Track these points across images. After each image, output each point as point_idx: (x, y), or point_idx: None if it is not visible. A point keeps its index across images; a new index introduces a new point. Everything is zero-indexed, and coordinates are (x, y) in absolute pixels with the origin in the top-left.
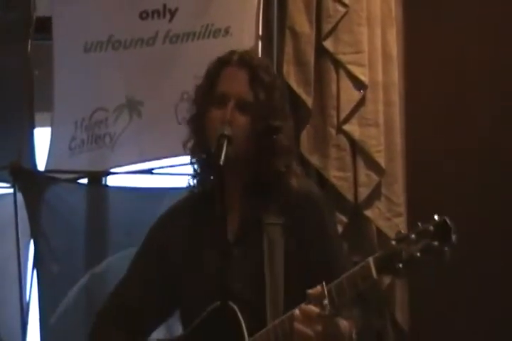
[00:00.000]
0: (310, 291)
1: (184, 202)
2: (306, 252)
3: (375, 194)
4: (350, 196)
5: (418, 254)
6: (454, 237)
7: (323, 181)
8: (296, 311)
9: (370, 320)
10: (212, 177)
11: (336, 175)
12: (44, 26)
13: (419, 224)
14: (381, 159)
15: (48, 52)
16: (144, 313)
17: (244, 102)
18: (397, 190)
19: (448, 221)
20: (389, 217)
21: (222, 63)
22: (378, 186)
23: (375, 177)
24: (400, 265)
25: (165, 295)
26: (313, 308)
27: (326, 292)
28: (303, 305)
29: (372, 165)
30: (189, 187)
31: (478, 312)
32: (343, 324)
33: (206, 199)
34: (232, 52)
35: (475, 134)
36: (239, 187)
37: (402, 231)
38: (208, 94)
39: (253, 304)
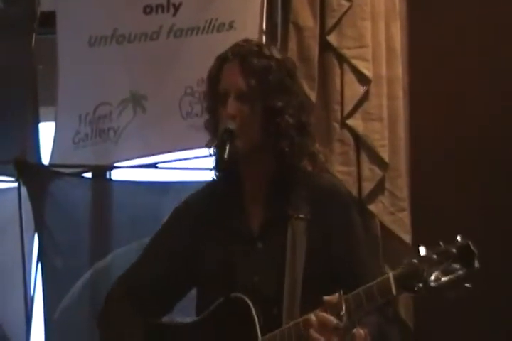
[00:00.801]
0: (327, 298)
1: (209, 190)
2: (329, 250)
3: (379, 188)
4: (354, 190)
5: (440, 276)
6: (476, 263)
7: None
8: (313, 317)
9: (384, 326)
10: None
11: (339, 170)
12: (48, 20)
13: (441, 243)
14: (385, 153)
15: (52, 46)
16: (158, 294)
17: (240, 92)
18: (401, 185)
19: (471, 245)
20: (392, 212)
21: (220, 62)
22: (382, 181)
23: (378, 172)
24: (421, 285)
25: (181, 277)
26: (330, 318)
27: (343, 303)
28: (320, 313)
29: (376, 159)
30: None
31: (483, 308)
32: (360, 334)
33: (231, 189)
34: (228, 49)
35: (478, 128)
36: (261, 179)
37: (424, 250)
38: (213, 95)
39: (270, 298)
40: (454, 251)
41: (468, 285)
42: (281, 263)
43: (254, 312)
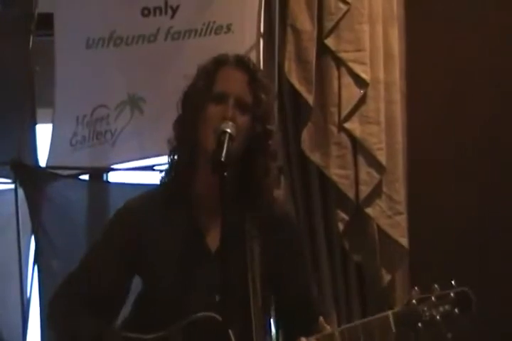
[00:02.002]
0: (323, 327)
1: (154, 196)
2: (279, 264)
3: (376, 192)
4: (351, 194)
5: (438, 318)
6: (474, 309)
7: (324, 179)
8: None
9: None
10: (182, 178)
11: (336, 173)
12: (46, 22)
13: (436, 286)
14: (382, 157)
15: (49, 48)
16: (105, 295)
17: (243, 102)
18: (398, 188)
19: (469, 292)
20: (390, 215)
21: (218, 63)
22: (379, 184)
23: (376, 175)
24: (420, 324)
25: (123, 284)
26: None
27: (337, 335)
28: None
29: (373, 162)
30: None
31: (481, 310)
32: None
33: (180, 199)
34: (225, 54)
35: (475, 132)
36: (215, 189)
37: (419, 292)
38: (205, 92)
39: (234, 316)
40: (453, 296)
41: (466, 328)
42: (240, 282)
43: (231, 334)
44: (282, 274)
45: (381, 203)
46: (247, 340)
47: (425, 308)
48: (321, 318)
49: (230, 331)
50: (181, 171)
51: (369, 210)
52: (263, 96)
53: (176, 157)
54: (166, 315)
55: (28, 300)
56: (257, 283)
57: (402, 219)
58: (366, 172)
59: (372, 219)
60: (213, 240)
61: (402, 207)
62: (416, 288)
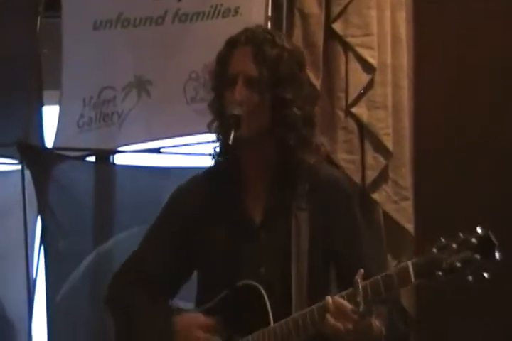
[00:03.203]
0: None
1: (206, 176)
2: (330, 242)
3: (382, 177)
4: (357, 179)
5: (459, 264)
6: (497, 254)
7: (331, 164)
8: (330, 302)
9: (394, 317)
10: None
11: (343, 158)
12: (53, 4)
13: (460, 234)
14: (389, 142)
15: (56, 30)
16: (163, 279)
17: (250, 78)
18: (405, 174)
19: (492, 237)
20: (396, 201)
21: (230, 45)
22: (385, 169)
23: (382, 160)
24: (440, 273)
25: (183, 262)
26: (346, 303)
27: (360, 289)
28: (337, 298)
29: (380, 148)
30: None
31: (487, 298)
32: (376, 324)
33: (230, 177)
34: (239, 33)
35: (482, 117)
36: (263, 168)
37: (443, 239)
38: (221, 77)
39: (277, 289)
40: (474, 241)
41: (486, 275)
42: (285, 254)
43: (266, 299)
44: (335, 242)
45: (387, 188)
46: (286, 313)
47: (445, 255)
48: (360, 273)
49: (266, 299)
50: (223, 153)
51: (375, 195)
52: (268, 66)
53: (217, 139)
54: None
55: (34, 281)
56: (303, 257)
57: (408, 205)
58: (373, 157)
59: (379, 204)
60: (259, 216)
61: (408, 193)
62: (441, 238)
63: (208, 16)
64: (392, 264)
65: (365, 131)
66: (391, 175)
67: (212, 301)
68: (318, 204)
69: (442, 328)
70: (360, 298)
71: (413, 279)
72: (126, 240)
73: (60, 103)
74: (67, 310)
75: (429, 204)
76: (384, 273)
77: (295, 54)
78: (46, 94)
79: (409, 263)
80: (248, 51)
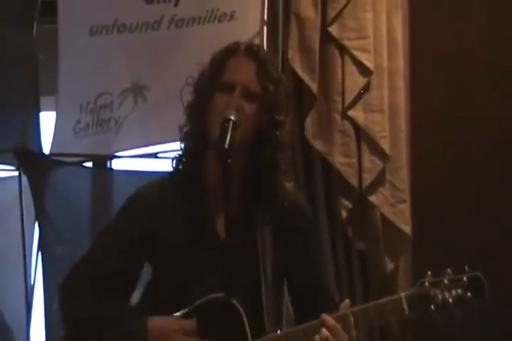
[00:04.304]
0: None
1: (165, 182)
2: (291, 258)
3: (380, 180)
4: (354, 182)
5: (451, 301)
6: (486, 294)
7: (327, 167)
8: (327, 319)
9: None
10: (192, 163)
11: (340, 161)
12: (49, 10)
13: (449, 271)
14: (386, 145)
15: (53, 35)
16: (118, 279)
17: (250, 91)
18: (402, 176)
19: (481, 277)
20: (393, 203)
21: (228, 52)
22: (382, 172)
23: (379, 163)
24: (433, 307)
25: (138, 266)
26: (339, 326)
27: (351, 316)
28: (331, 317)
29: (377, 151)
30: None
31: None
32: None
33: (191, 184)
34: (238, 43)
35: (480, 120)
36: (230, 179)
37: (431, 275)
38: (213, 81)
39: (245, 301)
40: (465, 280)
41: (477, 312)
42: (251, 266)
43: (243, 314)
44: (294, 263)
45: (384, 191)
46: (258, 326)
47: (438, 291)
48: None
49: (241, 310)
50: (190, 159)
51: (372, 198)
52: (271, 86)
53: (186, 144)
54: (175, 301)
55: (32, 287)
56: (268, 270)
57: (406, 207)
58: (370, 160)
59: (376, 207)
60: (222, 227)
61: (405, 195)
62: (429, 272)
63: (204, 21)
64: (390, 267)
65: (361, 134)
66: (388, 177)
67: (186, 310)
68: (280, 223)
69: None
70: (350, 324)
71: (407, 311)
72: None
73: (56, 109)
74: None
75: (426, 206)
76: (376, 302)
77: (284, 82)
78: (43, 99)
79: (403, 295)
80: (250, 64)
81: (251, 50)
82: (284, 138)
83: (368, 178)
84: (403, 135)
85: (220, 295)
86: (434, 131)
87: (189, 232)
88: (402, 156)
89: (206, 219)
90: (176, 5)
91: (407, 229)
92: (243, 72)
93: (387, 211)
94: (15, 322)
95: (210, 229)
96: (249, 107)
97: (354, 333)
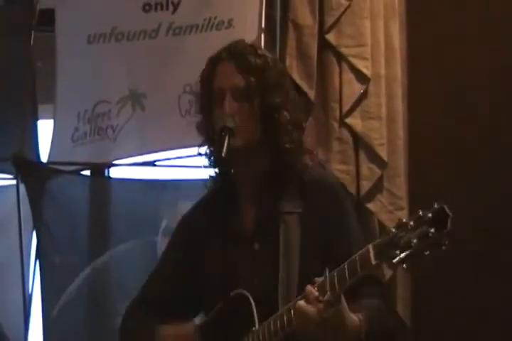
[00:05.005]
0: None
1: (206, 196)
2: (323, 242)
3: (377, 187)
4: (352, 189)
5: (415, 241)
6: (449, 224)
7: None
8: (307, 289)
9: (384, 311)
10: (218, 171)
11: (338, 168)
12: (47, 18)
13: (420, 211)
14: (383, 152)
15: (50, 44)
16: (173, 307)
17: (237, 90)
18: (400, 184)
19: (446, 208)
20: (391, 210)
21: (213, 62)
22: (380, 179)
23: (377, 171)
24: (398, 252)
25: (190, 290)
26: (314, 291)
27: (327, 277)
28: (308, 286)
29: (375, 158)
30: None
31: (481, 306)
32: (351, 317)
33: (223, 193)
34: (220, 50)
35: (477, 128)
36: (254, 178)
37: (404, 220)
38: (208, 95)
39: (269, 298)
40: (430, 215)
41: (444, 247)
42: (276, 260)
43: (254, 308)
44: (326, 242)
45: (382, 198)
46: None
47: (403, 234)
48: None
49: (253, 308)
50: (218, 165)
51: (370, 205)
52: (253, 75)
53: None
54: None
55: (30, 296)
56: (293, 261)
57: (404, 215)
58: (367, 168)
59: (374, 214)
60: (251, 227)
61: (403, 202)
62: (403, 218)
63: (201, 29)
64: (388, 275)
65: (359, 142)
66: (386, 185)
67: (209, 315)
68: (308, 207)
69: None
70: (327, 287)
71: (373, 261)
72: (122, 253)
73: (54, 117)
74: (63, 325)
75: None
76: (349, 259)
77: (277, 62)
78: (41, 108)
79: (370, 246)
80: (231, 64)
81: (230, 51)
82: (285, 118)
83: (365, 185)
84: (401, 142)
85: (236, 292)
86: (432, 138)
87: (225, 239)
88: (400, 163)
89: (238, 223)
90: (173, 13)
91: None
92: (227, 76)
93: (385, 218)
94: (13, 330)
95: (240, 231)
96: (242, 106)
97: (330, 296)
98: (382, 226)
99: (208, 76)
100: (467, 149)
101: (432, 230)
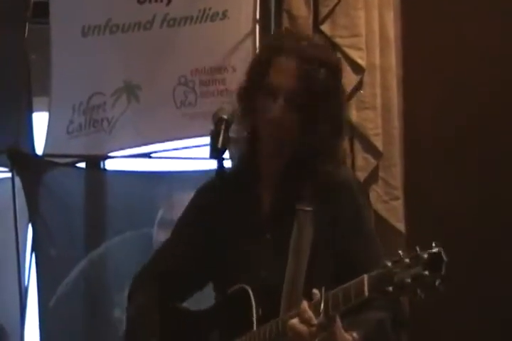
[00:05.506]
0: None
1: (225, 177)
2: (335, 242)
3: (373, 177)
4: None
5: (409, 280)
6: (443, 270)
7: None
8: (303, 306)
9: (387, 324)
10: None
11: None
12: (41, 10)
13: (417, 248)
14: (378, 142)
15: (45, 36)
16: (179, 281)
17: (291, 95)
18: (395, 173)
19: (442, 252)
20: (386, 200)
21: (272, 52)
22: (376, 169)
23: (372, 161)
24: (391, 288)
25: (202, 266)
26: (309, 312)
27: (322, 301)
28: (303, 304)
29: (370, 148)
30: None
31: (479, 300)
32: (344, 337)
33: (243, 177)
34: (284, 40)
35: (472, 117)
36: (276, 167)
37: (401, 252)
38: (259, 86)
39: (275, 291)
40: (425, 256)
41: (438, 290)
42: (286, 256)
43: (253, 303)
44: (338, 242)
45: (378, 188)
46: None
47: (398, 270)
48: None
49: (253, 303)
50: (244, 155)
51: None
52: (313, 85)
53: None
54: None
55: (26, 288)
56: (302, 258)
57: (399, 204)
58: (363, 158)
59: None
60: (266, 217)
61: (398, 192)
62: (400, 251)
63: (196, 20)
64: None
65: (354, 132)
66: (381, 175)
67: (209, 306)
68: (324, 205)
69: (436, 326)
70: (321, 309)
71: (366, 293)
72: (118, 245)
73: (49, 109)
74: (59, 317)
75: (420, 203)
76: (344, 286)
77: (337, 66)
78: (35, 100)
79: (365, 277)
80: (293, 64)
81: (294, 46)
82: (327, 129)
83: (361, 176)
84: (396, 132)
85: (239, 286)
86: (427, 128)
87: (241, 225)
88: (395, 153)
89: (255, 210)
90: (167, 4)
91: (401, 226)
92: (285, 75)
93: (380, 208)
94: (9, 322)
95: (258, 219)
96: (292, 113)
97: (323, 319)
98: (377, 216)
99: (264, 65)
100: (462, 138)
101: (426, 272)
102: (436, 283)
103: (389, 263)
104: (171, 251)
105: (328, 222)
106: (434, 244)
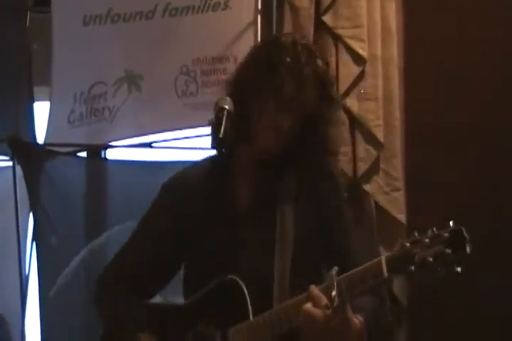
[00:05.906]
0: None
1: (198, 167)
2: (319, 231)
3: (374, 168)
4: (349, 170)
5: (430, 259)
6: (468, 248)
7: None
8: (314, 291)
9: (378, 311)
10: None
11: None
12: None
13: (434, 228)
14: (380, 133)
15: (46, 25)
16: (149, 274)
17: (293, 101)
18: (396, 165)
19: (464, 231)
20: (387, 192)
21: (280, 54)
22: (377, 160)
23: (373, 152)
24: (412, 267)
25: (170, 256)
26: (323, 297)
27: (335, 284)
28: (313, 289)
29: (371, 139)
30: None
31: (478, 286)
32: (354, 321)
33: (220, 166)
34: (285, 52)
35: (474, 108)
36: (255, 159)
37: (416, 234)
38: (264, 87)
39: (259, 280)
40: (446, 235)
41: (459, 269)
42: (269, 245)
43: (246, 293)
44: (322, 230)
45: (379, 179)
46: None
47: (418, 250)
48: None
49: (246, 293)
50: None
51: (367, 186)
52: (313, 90)
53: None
54: (199, 278)
55: (27, 277)
56: (287, 249)
57: (400, 196)
58: (364, 149)
59: (370, 195)
60: (246, 206)
61: (399, 183)
62: (415, 232)
63: (198, 10)
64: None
65: (355, 123)
66: (383, 166)
67: (194, 297)
68: (307, 194)
69: (434, 316)
70: (334, 293)
71: (385, 273)
72: (119, 234)
73: (50, 99)
74: (60, 306)
75: (421, 194)
76: (358, 268)
77: (328, 70)
78: (36, 89)
79: (383, 258)
80: (302, 74)
81: (295, 57)
82: (327, 131)
83: (362, 167)
84: (397, 123)
85: (228, 277)
86: (429, 119)
87: (210, 210)
88: (397, 144)
89: (230, 200)
90: None
91: (402, 217)
92: (299, 88)
93: (381, 199)
94: (10, 312)
95: (234, 209)
96: (294, 118)
97: (338, 303)
98: (378, 207)
99: (272, 66)
100: (463, 129)
101: (449, 251)
102: (460, 260)
103: (407, 243)
104: (140, 245)
105: (312, 211)
106: (451, 222)
